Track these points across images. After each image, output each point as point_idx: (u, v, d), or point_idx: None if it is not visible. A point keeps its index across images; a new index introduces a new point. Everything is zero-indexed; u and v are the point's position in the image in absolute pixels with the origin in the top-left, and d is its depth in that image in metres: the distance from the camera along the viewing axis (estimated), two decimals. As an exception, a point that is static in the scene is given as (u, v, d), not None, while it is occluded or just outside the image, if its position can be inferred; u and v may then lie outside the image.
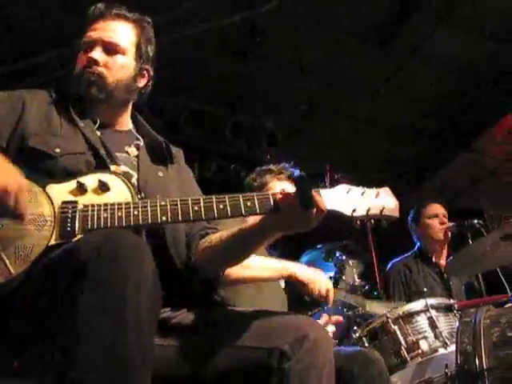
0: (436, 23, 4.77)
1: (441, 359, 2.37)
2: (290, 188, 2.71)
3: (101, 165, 1.75)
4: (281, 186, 2.68)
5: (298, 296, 2.69)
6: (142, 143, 1.96)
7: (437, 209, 4.13)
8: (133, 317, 1.24)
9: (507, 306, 1.90)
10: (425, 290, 3.68)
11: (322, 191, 1.70)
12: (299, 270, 2.32)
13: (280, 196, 1.66)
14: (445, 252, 4.05)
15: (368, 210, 1.69)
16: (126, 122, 2.01)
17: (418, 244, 4.18)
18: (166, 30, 3.72)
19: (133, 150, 1.92)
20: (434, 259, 4.01)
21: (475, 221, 3.77)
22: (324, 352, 1.68)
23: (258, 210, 1.65)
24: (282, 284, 2.83)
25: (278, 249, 3.06)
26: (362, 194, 1.73)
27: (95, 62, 1.88)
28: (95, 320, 1.23)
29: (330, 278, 4.65)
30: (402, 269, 4.01)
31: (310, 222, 1.66)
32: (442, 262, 4.01)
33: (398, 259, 4.18)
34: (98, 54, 1.89)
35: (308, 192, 1.59)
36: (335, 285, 4.43)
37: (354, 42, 4.93)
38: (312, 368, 1.65)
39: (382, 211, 1.71)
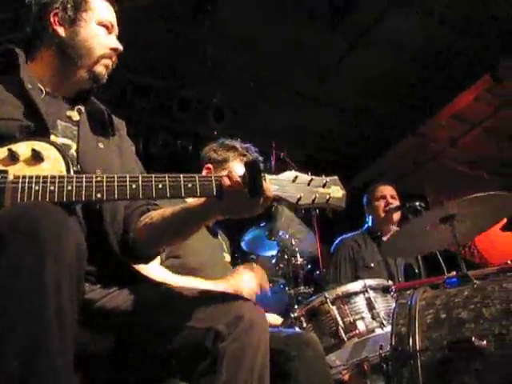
0: (388, 4, 4.76)
1: (377, 339, 2.39)
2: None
3: (38, 132, 1.63)
4: (241, 169, 2.62)
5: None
6: (83, 109, 1.87)
7: (384, 190, 4.16)
8: (52, 286, 1.18)
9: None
10: (372, 265, 3.73)
11: (268, 177, 1.64)
12: (223, 290, 2.26)
13: (226, 181, 1.58)
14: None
15: (314, 199, 1.65)
16: (71, 90, 1.90)
17: (369, 223, 4.20)
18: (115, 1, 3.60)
19: (75, 114, 1.82)
20: (383, 237, 4.02)
21: (417, 203, 3.81)
22: (259, 333, 1.65)
23: (198, 193, 1.57)
24: (228, 258, 2.79)
25: (222, 225, 3.01)
26: (310, 182, 1.68)
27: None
28: (12, 290, 1.17)
29: (272, 256, 4.68)
30: (351, 244, 4.03)
31: (254, 210, 1.60)
32: None
33: (346, 236, 4.18)
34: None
35: (258, 180, 1.53)
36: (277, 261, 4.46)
37: (305, 20, 4.88)
38: (247, 348, 1.61)
39: (328, 200, 1.67)
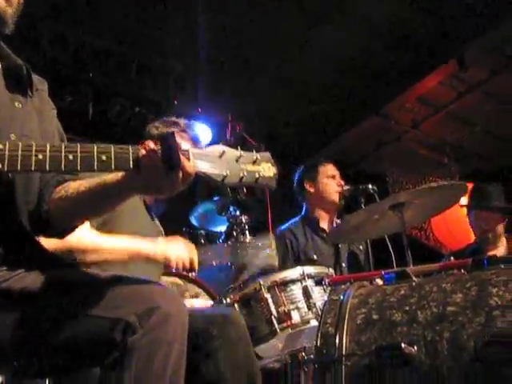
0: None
1: (312, 331, 2.27)
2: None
3: None
4: (182, 145, 2.50)
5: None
6: None
7: (334, 169, 3.94)
8: None
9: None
10: (315, 257, 3.56)
11: (193, 151, 1.49)
12: (154, 249, 2.13)
13: (142, 152, 1.44)
14: (334, 218, 3.91)
15: (242, 178, 1.51)
16: None
17: (306, 207, 4.01)
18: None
19: None
20: (320, 224, 3.86)
21: (370, 186, 3.69)
22: (175, 326, 1.51)
23: (113, 167, 1.41)
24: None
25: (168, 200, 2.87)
26: (238, 158, 1.53)
27: None
28: None
29: (221, 232, 4.56)
30: (289, 237, 3.82)
31: (174, 186, 1.45)
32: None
33: (284, 226, 3.99)
34: None
35: (174, 153, 1.38)
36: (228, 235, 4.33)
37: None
38: (160, 343, 1.47)
39: (257, 179, 1.52)
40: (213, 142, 5.77)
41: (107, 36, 5.06)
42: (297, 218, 4.00)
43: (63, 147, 1.39)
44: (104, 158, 1.41)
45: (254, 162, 1.53)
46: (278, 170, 1.57)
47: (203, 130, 5.64)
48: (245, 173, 1.50)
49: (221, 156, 1.50)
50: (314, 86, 5.94)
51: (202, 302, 2.60)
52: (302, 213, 4.00)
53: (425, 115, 6.45)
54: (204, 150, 1.51)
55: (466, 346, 1.38)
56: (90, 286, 1.58)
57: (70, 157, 1.39)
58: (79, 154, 1.39)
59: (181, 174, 1.42)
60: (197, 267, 2.21)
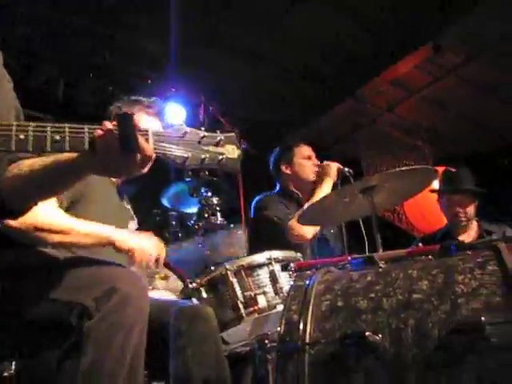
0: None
1: (279, 316, 2.24)
2: (157, 125, 2.46)
3: None
4: (148, 122, 2.42)
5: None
6: None
7: (309, 150, 3.91)
8: None
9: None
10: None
11: (153, 132, 1.42)
12: (122, 238, 2.04)
13: (99, 133, 1.37)
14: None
15: (203, 160, 1.45)
16: None
17: (281, 186, 3.95)
18: None
19: None
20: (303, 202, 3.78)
21: (346, 169, 3.68)
22: (135, 309, 1.47)
23: (66, 147, 1.35)
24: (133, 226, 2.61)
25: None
26: (201, 139, 1.47)
27: None
28: None
29: (193, 214, 4.51)
30: (281, 201, 3.75)
31: (132, 168, 1.39)
32: None
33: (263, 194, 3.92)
34: None
35: (131, 134, 1.32)
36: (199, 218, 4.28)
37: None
38: (118, 327, 1.43)
39: (220, 162, 1.47)
40: (186, 123, 5.70)
41: (81, 15, 4.92)
42: (272, 192, 3.94)
43: (14, 126, 1.32)
44: (58, 137, 1.34)
45: (218, 144, 1.47)
46: (242, 152, 1.51)
47: (177, 111, 5.56)
48: (207, 155, 1.45)
49: (183, 136, 1.44)
50: (289, 67, 5.89)
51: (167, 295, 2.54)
52: (277, 189, 3.95)
53: (400, 98, 6.45)
54: (165, 130, 1.45)
55: (430, 333, 1.36)
56: (48, 269, 1.53)
57: (21, 136, 1.32)
58: (31, 133, 1.32)
59: (139, 156, 1.36)
60: (161, 265, 2.15)
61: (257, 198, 3.83)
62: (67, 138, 1.34)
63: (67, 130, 1.34)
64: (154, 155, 1.38)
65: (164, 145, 1.41)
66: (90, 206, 2.25)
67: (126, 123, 1.32)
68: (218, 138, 1.48)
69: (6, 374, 2.15)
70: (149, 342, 1.63)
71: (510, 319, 1.30)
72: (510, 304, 1.32)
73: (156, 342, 1.96)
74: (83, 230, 1.99)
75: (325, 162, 3.73)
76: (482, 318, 1.30)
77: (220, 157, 1.46)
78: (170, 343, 1.94)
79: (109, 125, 1.36)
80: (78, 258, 1.61)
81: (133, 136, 1.32)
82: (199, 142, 1.46)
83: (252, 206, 3.82)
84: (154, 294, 2.50)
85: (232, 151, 1.48)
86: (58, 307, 1.45)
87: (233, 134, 1.54)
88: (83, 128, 1.37)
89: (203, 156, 1.44)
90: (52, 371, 1.47)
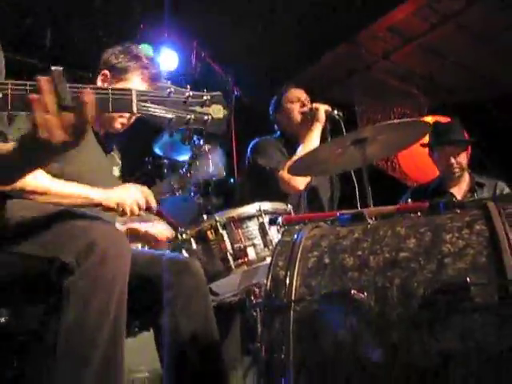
0: None
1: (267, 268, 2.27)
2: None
3: None
4: (140, 86, 2.25)
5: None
6: None
7: (298, 93, 3.86)
8: None
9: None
10: None
11: (137, 91, 1.34)
12: (105, 197, 1.97)
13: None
14: None
15: (188, 120, 1.42)
16: None
17: (280, 131, 3.93)
18: None
19: None
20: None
21: (335, 112, 3.64)
22: (115, 266, 1.45)
23: (9, 106, 1.25)
24: (116, 172, 2.56)
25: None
26: (186, 99, 1.43)
27: None
28: None
29: (185, 161, 4.48)
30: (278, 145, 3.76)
31: (73, 127, 1.26)
32: None
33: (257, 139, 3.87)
34: None
35: (62, 88, 1.24)
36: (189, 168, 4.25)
37: None
38: (98, 285, 1.41)
39: (205, 122, 1.43)
40: (179, 68, 5.61)
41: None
42: (271, 136, 3.92)
43: None
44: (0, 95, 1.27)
45: (204, 104, 1.43)
46: (228, 112, 1.47)
47: (169, 56, 5.46)
48: (192, 115, 1.41)
49: (167, 96, 1.40)
50: (286, 13, 5.74)
51: (162, 229, 2.49)
52: (277, 134, 3.93)
53: (396, 45, 6.35)
54: (150, 90, 1.41)
55: (415, 293, 1.36)
56: (31, 224, 1.51)
57: None
58: None
59: (77, 115, 1.25)
60: (154, 204, 2.12)
61: (253, 141, 3.82)
62: (9, 94, 1.25)
63: (10, 85, 1.26)
64: (90, 115, 1.27)
65: (148, 105, 1.36)
66: (67, 167, 2.18)
67: (57, 78, 1.25)
68: (204, 98, 1.44)
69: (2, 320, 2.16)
70: (139, 292, 1.63)
71: (494, 280, 1.30)
72: (495, 265, 1.32)
73: (146, 293, 1.98)
74: (67, 191, 1.93)
75: (313, 105, 3.68)
76: (468, 279, 1.31)
77: (205, 117, 1.43)
78: (157, 294, 1.95)
79: (43, 81, 1.27)
80: (58, 212, 1.58)
81: (63, 91, 1.23)
82: (185, 102, 1.41)
83: (248, 149, 3.80)
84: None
85: (218, 111, 1.44)
86: (38, 263, 1.44)
87: (219, 93, 1.49)
88: (26, 84, 1.28)
89: (188, 117, 1.40)
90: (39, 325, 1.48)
